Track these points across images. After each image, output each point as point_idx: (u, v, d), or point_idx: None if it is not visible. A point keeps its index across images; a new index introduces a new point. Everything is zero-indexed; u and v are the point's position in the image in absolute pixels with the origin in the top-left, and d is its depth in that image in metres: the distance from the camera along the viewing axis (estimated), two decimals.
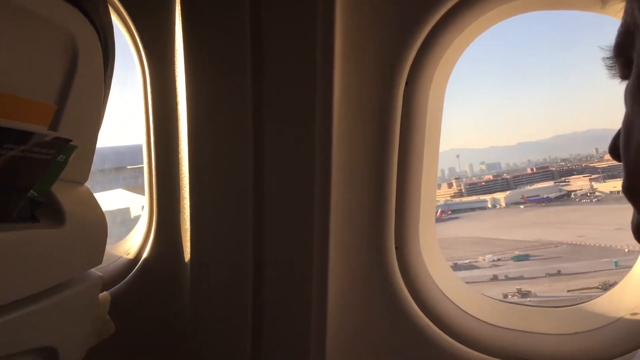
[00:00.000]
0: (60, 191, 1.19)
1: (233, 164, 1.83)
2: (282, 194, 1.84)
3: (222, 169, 1.85)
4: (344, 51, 1.78)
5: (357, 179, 1.87)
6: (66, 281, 1.22)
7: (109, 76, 1.41)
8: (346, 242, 1.90)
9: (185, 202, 1.91)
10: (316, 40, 1.71)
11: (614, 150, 0.91)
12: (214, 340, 1.94)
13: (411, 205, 1.92)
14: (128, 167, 3.58)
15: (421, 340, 1.87)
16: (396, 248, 1.91)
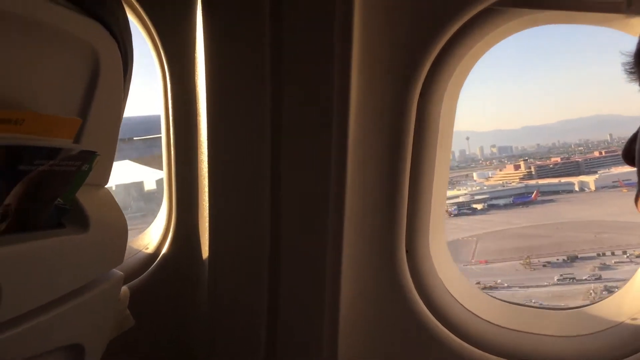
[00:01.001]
0: (83, 195, 1.23)
1: (251, 165, 1.88)
2: (299, 197, 1.88)
3: (241, 171, 1.90)
4: (360, 62, 1.82)
5: (370, 185, 1.91)
6: (90, 282, 1.28)
7: (128, 82, 1.45)
8: (359, 245, 1.94)
9: (204, 201, 1.96)
10: (334, 49, 1.75)
11: (628, 154, 0.92)
12: (229, 337, 2.00)
13: (422, 210, 1.96)
14: (135, 138, 3.59)
15: (430, 341, 1.92)
16: (407, 251, 1.96)
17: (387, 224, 1.93)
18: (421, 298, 1.97)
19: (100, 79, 1.19)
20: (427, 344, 1.94)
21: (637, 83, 0.90)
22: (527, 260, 32.19)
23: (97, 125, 1.22)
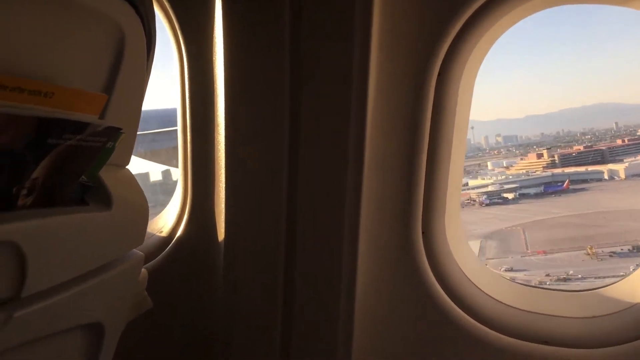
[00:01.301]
0: (106, 175, 1.24)
1: (269, 149, 1.88)
2: (316, 177, 1.88)
3: (258, 154, 1.90)
4: (380, 42, 1.81)
5: (388, 167, 1.91)
6: (112, 260, 1.29)
7: (150, 63, 1.45)
8: (375, 227, 1.94)
9: (220, 184, 1.96)
10: (354, 30, 1.74)
11: None
12: (245, 321, 2.00)
13: (439, 192, 1.96)
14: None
15: (446, 323, 1.93)
16: (423, 233, 1.95)
17: (404, 205, 1.93)
18: (437, 280, 1.97)
19: (125, 57, 1.20)
20: (443, 326, 1.95)
21: None
22: (593, 251, 30.99)
23: (120, 103, 1.22)
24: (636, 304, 1.89)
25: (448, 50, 1.80)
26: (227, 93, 1.86)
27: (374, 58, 1.79)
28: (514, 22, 1.88)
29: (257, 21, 1.82)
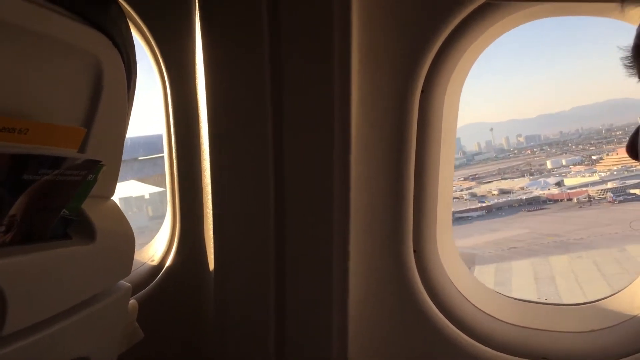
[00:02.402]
0: (89, 207, 1.23)
1: (254, 171, 1.87)
2: (302, 199, 1.87)
3: (244, 177, 1.89)
4: (360, 59, 1.81)
5: (375, 184, 1.90)
6: (98, 293, 1.27)
7: (132, 92, 1.45)
8: (366, 246, 1.93)
9: (207, 209, 1.95)
10: (333, 48, 1.74)
11: (633, 148, 0.92)
12: (237, 349, 1.98)
13: (428, 209, 1.95)
14: (139, 158, 3.62)
15: (440, 341, 1.90)
16: (414, 251, 1.94)
17: (394, 223, 1.92)
18: (430, 298, 1.95)
19: (104, 89, 1.20)
20: (438, 343, 1.92)
21: (637, 76, 0.90)
22: None
23: (101, 136, 1.22)
24: (634, 317, 1.87)
25: (430, 66, 1.80)
26: (210, 118, 1.85)
27: (355, 75, 1.78)
28: (498, 36, 1.89)
29: (237, 41, 1.82)
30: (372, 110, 1.85)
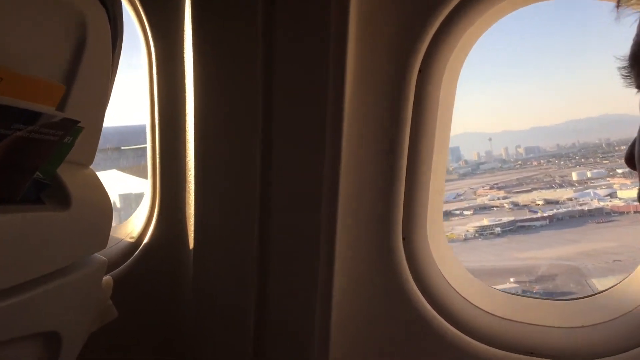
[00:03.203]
0: (65, 173, 1.17)
1: (240, 149, 1.81)
2: (290, 181, 1.82)
3: (229, 154, 1.83)
4: (358, 36, 1.75)
5: (366, 167, 1.85)
6: (70, 265, 1.20)
7: (117, 56, 1.39)
8: (354, 232, 1.88)
9: (189, 186, 1.88)
10: (330, 27, 1.69)
11: (631, 159, 0.92)
12: (216, 332, 1.92)
13: (420, 195, 1.90)
14: (122, 147, 3.56)
15: (427, 332, 1.87)
16: (403, 239, 1.89)
17: (384, 209, 1.87)
18: (418, 287, 1.90)
19: (87, 47, 1.14)
20: (423, 332, 1.88)
21: (634, 86, 0.89)
22: None
23: (82, 97, 1.16)
24: (625, 314, 1.84)
25: (429, 46, 1.75)
26: (197, 90, 1.79)
27: (351, 53, 1.73)
28: (497, 19, 1.84)
29: (229, 15, 1.76)
30: (367, 89, 1.80)
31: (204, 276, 1.91)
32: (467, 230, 15.78)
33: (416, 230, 1.92)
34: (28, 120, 0.91)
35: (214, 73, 1.79)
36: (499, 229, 15.91)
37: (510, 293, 2.09)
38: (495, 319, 1.92)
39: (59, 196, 1.14)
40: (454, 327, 1.87)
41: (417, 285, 1.89)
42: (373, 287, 1.91)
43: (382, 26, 1.77)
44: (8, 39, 0.96)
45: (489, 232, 15.69)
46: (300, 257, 1.84)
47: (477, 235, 15.80)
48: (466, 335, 1.85)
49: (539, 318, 1.90)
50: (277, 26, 1.74)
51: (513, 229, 16.46)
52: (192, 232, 1.89)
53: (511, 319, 1.90)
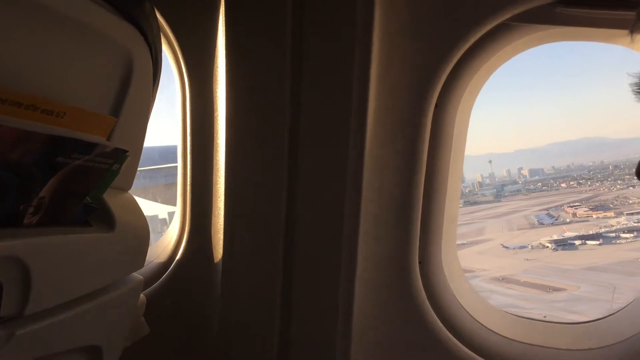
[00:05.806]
0: (109, 197, 1.25)
1: (268, 174, 1.90)
2: (314, 205, 1.90)
3: (257, 178, 1.92)
4: (379, 74, 1.84)
5: (385, 196, 1.93)
6: (112, 283, 1.29)
7: (156, 89, 1.48)
8: (373, 255, 1.95)
9: (218, 208, 1.97)
10: (353, 63, 1.78)
11: None
12: (242, 346, 1.99)
13: (435, 222, 1.98)
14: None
15: (441, 352, 1.93)
16: (419, 262, 1.96)
17: (401, 234, 1.95)
18: (433, 309, 1.98)
19: (133, 82, 1.22)
20: (437, 352, 1.95)
21: None
22: None
23: (126, 127, 1.24)
24: (630, 337, 1.89)
25: (445, 82, 1.84)
26: (228, 116, 1.89)
27: (373, 90, 1.82)
28: (511, 56, 1.94)
29: (259, 45, 1.85)
30: (387, 124, 1.89)
31: (232, 295, 1.99)
32: None
33: (431, 254, 2.01)
34: (85, 150, 1.00)
35: (245, 100, 1.88)
36: None
37: (520, 316, 2.15)
38: (505, 340, 1.97)
39: (105, 219, 1.22)
40: (466, 346, 1.94)
41: (431, 305, 1.98)
42: (390, 307, 2.00)
43: (401, 64, 1.85)
44: (68, 76, 1.05)
45: None
46: (323, 278, 1.94)
47: None
48: (478, 354, 1.92)
49: (548, 340, 1.96)
50: (304, 70, 1.83)
51: None
52: (220, 249, 1.97)
53: (521, 340, 1.96)
